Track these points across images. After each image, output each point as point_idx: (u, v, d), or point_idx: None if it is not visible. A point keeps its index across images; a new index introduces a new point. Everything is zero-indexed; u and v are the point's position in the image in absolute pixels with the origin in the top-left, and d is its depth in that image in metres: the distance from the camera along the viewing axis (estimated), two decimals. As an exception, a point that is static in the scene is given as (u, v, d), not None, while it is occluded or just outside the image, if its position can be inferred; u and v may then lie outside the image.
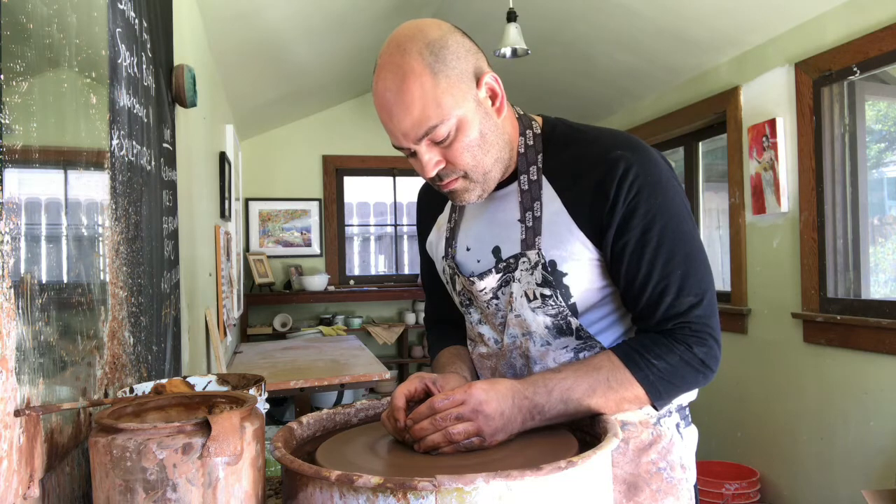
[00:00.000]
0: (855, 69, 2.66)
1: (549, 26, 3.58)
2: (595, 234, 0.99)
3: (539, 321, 1.03)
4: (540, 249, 1.00)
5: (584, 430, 0.94)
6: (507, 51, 3.02)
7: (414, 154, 0.96)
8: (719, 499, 3.02)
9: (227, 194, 3.29)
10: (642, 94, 4.17)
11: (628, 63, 3.77)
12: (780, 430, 3.12)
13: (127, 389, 0.95)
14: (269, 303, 5.01)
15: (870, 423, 2.64)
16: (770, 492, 3.18)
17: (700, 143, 3.88)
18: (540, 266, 1.00)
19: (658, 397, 0.96)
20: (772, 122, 3.06)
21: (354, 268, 5.65)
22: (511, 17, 2.99)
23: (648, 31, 3.33)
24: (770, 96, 3.12)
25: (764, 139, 3.11)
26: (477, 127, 0.95)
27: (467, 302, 1.14)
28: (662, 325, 0.98)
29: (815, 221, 2.85)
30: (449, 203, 1.18)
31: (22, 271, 0.68)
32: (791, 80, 2.98)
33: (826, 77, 2.80)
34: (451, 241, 1.14)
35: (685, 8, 3.03)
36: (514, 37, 2.97)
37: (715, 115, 3.55)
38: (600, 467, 0.75)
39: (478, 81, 0.95)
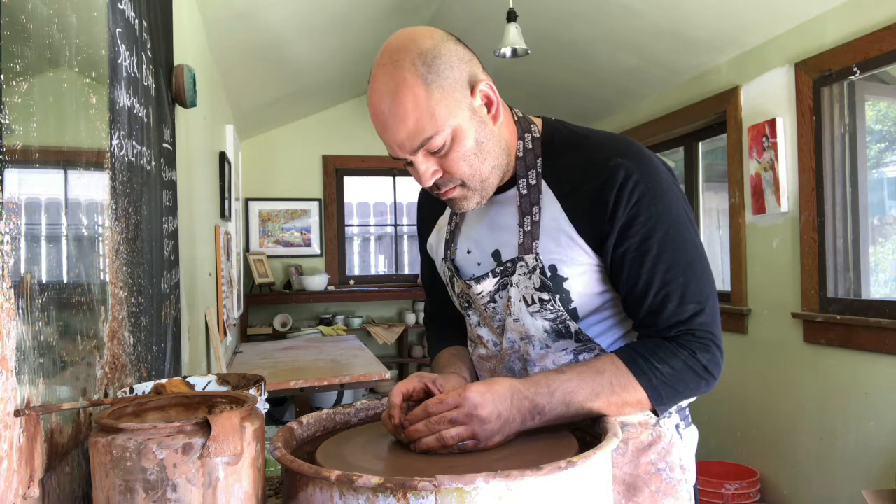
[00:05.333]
0: (855, 69, 2.66)
1: (549, 26, 3.58)
2: (595, 241, 0.99)
3: (538, 325, 1.03)
4: (538, 254, 1.00)
5: (584, 431, 0.94)
6: (507, 51, 3.02)
7: (411, 164, 0.96)
8: (719, 499, 3.02)
9: (227, 194, 3.29)
10: (642, 94, 4.17)
11: (628, 63, 3.77)
12: (780, 430, 3.12)
13: (127, 389, 0.95)
14: (269, 303, 5.01)
15: (870, 423, 2.64)
16: (770, 492, 3.18)
17: (700, 143, 3.88)
18: (538, 270, 1.00)
19: (660, 402, 0.96)
20: (772, 122, 3.06)
21: (354, 268, 5.65)
22: (511, 17, 2.99)
23: (648, 31, 3.33)
24: (770, 96, 3.12)
25: (764, 139, 3.11)
26: (472, 135, 0.95)
27: (466, 304, 1.14)
28: (665, 332, 0.98)
29: (815, 221, 2.85)
30: None
31: (22, 271, 0.68)
32: (791, 81, 2.98)
33: (826, 77, 2.80)
34: (450, 243, 1.14)
35: (685, 8, 3.03)
36: (514, 37, 2.97)
37: (715, 115, 3.55)
38: (600, 467, 0.75)
39: (472, 90, 0.94)
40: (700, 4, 2.97)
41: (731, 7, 2.94)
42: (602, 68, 3.95)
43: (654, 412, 0.98)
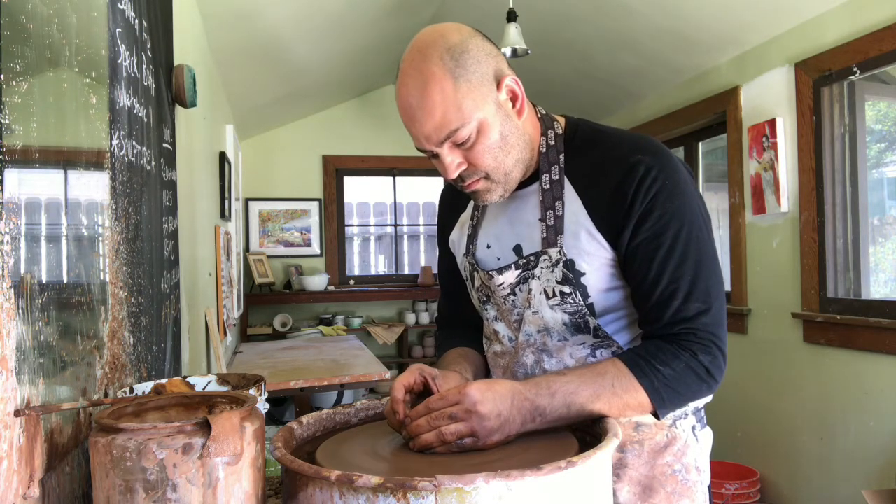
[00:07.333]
0: (855, 69, 2.66)
1: (549, 26, 3.58)
2: (612, 234, 1.00)
3: (557, 318, 1.04)
4: (562, 248, 1.01)
5: (584, 431, 0.94)
6: (507, 51, 3.02)
7: (436, 156, 0.98)
8: (719, 499, 3.02)
9: (227, 194, 3.29)
10: (642, 94, 4.17)
11: (628, 63, 3.77)
12: (780, 430, 3.12)
13: (127, 389, 0.95)
14: (269, 303, 5.01)
15: (870, 423, 2.64)
16: (770, 492, 3.18)
17: (700, 143, 3.88)
18: (561, 264, 1.01)
19: (661, 405, 0.96)
20: (772, 122, 3.06)
21: (354, 268, 5.65)
22: (511, 17, 2.99)
23: (648, 31, 3.33)
24: (770, 96, 3.12)
25: (764, 139, 3.11)
26: (497, 129, 0.96)
27: (485, 298, 1.15)
28: (668, 329, 0.98)
29: (815, 221, 2.85)
30: (472, 202, 1.19)
31: (22, 271, 0.68)
32: (791, 80, 2.98)
33: (826, 77, 2.80)
34: (472, 238, 1.16)
35: (685, 8, 3.03)
36: (514, 37, 2.97)
37: (715, 115, 3.55)
38: (600, 467, 0.75)
39: (498, 84, 0.97)
40: (700, 4, 2.97)
41: (731, 7, 2.94)
42: (602, 68, 3.95)
43: (656, 415, 0.98)
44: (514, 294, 1.08)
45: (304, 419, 0.94)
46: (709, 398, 1.08)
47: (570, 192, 1.04)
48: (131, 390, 0.95)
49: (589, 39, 3.63)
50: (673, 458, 1.07)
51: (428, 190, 5.70)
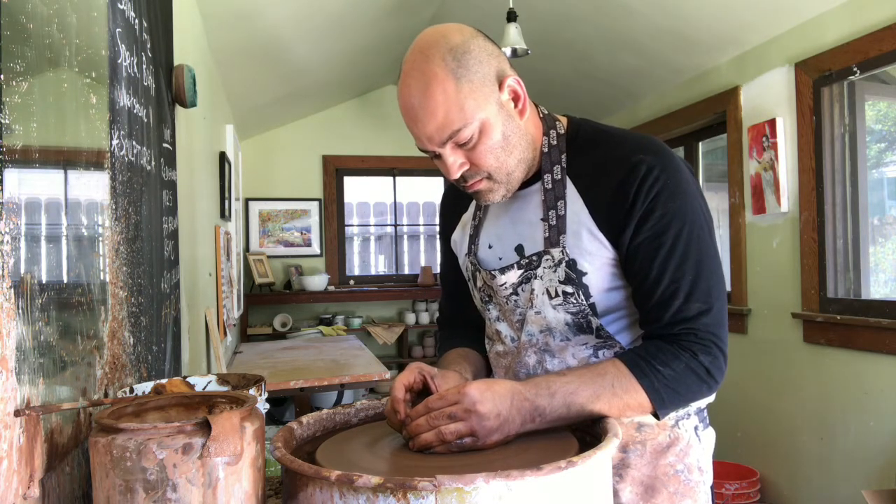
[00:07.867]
0: (855, 69, 2.66)
1: (549, 26, 3.58)
2: (613, 234, 1.00)
3: (559, 318, 1.04)
4: (564, 247, 1.01)
5: (584, 431, 0.94)
6: (507, 51, 3.02)
7: (439, 157, 0.98)
8: (720, 499, 3.02)
9: (227, 194, 3.29)
10: (642, 94, 4.17)
11: (628, 63, 3.77)
12: (780, 430, 3.12)
13: (127, 389, 0.95)
14: (269, 303, 5.01)
15: (870, 423, 2.64)
16: (770, 492, 3.18)
17: (700, 143, 3.88)
18: (563, 264, 1.01)
19: (661, 405, 0.95)
20: (772, 122, 3.06)
21: (354, 268, 5.65)
22: (511, 17, 2.99)
23: (648, 31, 3.33)
24: (770, 96, 3.12)
25: (764, 139, 3.11)
26: (500, 129, 0.97)
27: (487, 298, 1.15)
28: (669, 328, 0.98)
29: (815, 221, 2.85)
30: (473, 202, 1.19)
31: (22, 271, 0.68)
32: (791, 80, 2.98)
33: (826, 77, 2.80)
34: (474, 238, 1.16)
35: (685, 8, 3.03)
36: (514, 37, 2.97)
37: (715, 115, 3.55)
38: (600, 467, 0.75)
39: (500, 84, 0.97)
40: (700, 4, 2.97)
41: (731, 7, 2.94)
42: (602, 68, 3.95)
43: (656, 415, 0.98)
44: (517, 294, 1.08)
45: (304, 419, 0.94)
46: (711, 398, 1.08)
47: (571, 191, 1.03)
48: (131, 390, 0.95)
49: (589, 39, 3.63)
50: (675, 458, 1.07)
51: (428, 190, 5.70)
